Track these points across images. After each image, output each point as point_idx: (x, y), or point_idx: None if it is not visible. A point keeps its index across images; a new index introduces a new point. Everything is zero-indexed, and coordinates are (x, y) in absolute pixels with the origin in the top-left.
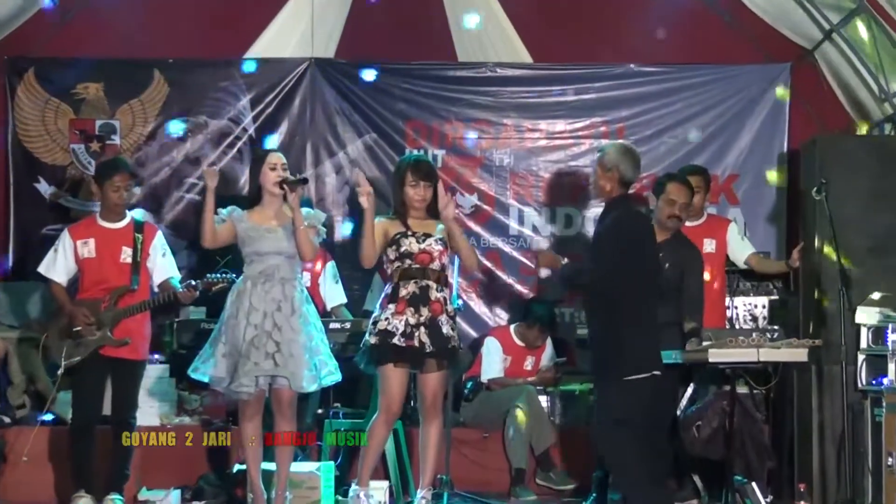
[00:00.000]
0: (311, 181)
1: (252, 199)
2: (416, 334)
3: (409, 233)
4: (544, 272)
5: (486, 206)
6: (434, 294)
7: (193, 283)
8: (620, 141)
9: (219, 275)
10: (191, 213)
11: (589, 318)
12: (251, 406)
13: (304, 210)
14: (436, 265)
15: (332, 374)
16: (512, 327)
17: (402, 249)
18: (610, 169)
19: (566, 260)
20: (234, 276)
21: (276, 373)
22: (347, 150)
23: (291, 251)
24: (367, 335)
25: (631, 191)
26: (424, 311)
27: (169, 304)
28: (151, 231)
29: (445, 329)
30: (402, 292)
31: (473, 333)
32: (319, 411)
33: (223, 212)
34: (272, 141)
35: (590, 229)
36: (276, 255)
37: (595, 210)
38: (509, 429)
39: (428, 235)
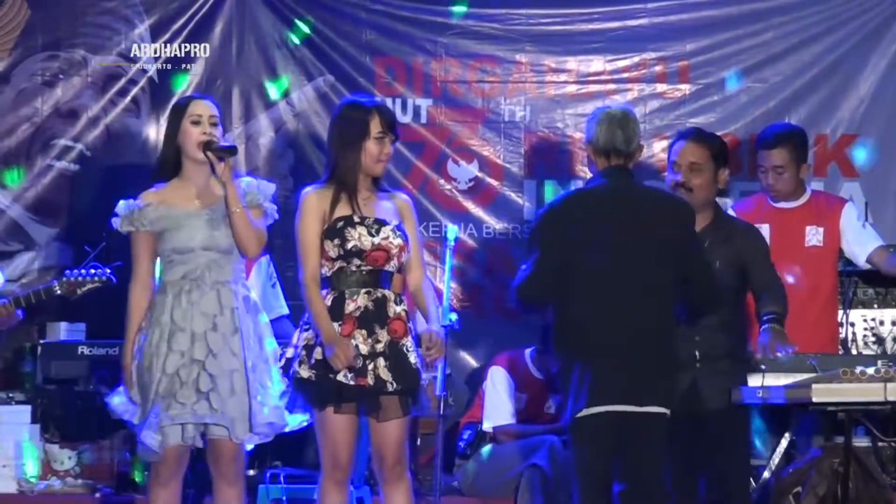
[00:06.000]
0: (241, 142)
1: (162, 171)
2: (372, 368)
3: (357, 218)
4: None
5: (490, 180)
6: (393, 309)
7: (17, 290)
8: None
9: (84, 271)
10: (62, 190)
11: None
12: (168, 466)
13: (243, 181)
14: (392, 265)
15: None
16: (527, 352)
17: (350, 246)
18: (587, 143)
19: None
20: (108, 272)
21: (213, 419)
22: (292, 98)
23: (226, 243)
24: (294, 363)
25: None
26: (382, 335)
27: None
28: None
29: (413, 358)
30: (350, 307)
31: (473, 362)
32: (251, 472)
33: (119, 217)
34: (183, 86)
35: None
36: (204, 252)
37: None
38: (525, 498)
39: (383, 224)
